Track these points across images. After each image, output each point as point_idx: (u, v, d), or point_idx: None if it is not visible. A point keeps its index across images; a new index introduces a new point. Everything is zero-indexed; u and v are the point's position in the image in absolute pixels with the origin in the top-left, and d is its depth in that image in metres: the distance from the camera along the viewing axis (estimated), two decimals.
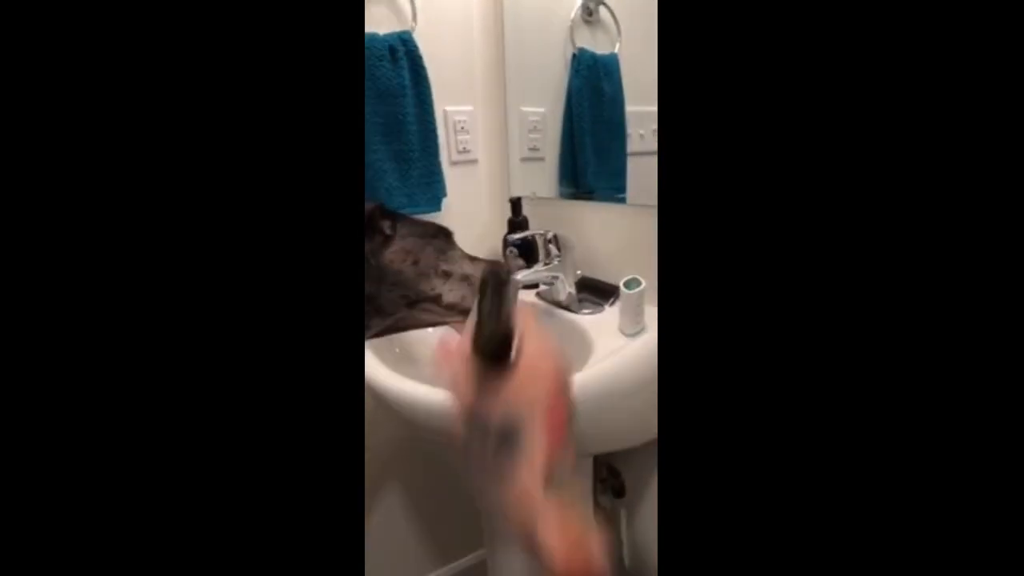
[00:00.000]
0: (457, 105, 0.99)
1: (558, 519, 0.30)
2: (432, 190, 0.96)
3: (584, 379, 0.55)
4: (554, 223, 0.89)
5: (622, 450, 0.81)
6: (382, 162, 0.90)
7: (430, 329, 0.78)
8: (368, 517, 1.08)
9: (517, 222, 0.90)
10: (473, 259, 0.75)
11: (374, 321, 0.70)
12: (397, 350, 0.80)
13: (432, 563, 1.18)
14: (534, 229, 0.87)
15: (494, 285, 0.36)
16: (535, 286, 0.88)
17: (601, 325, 0.75)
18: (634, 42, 0.81)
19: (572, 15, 0.87)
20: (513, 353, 0.34)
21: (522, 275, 0.82)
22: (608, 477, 0.89)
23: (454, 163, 1.01)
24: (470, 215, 1.06)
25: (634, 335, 0.71)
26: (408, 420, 0.63)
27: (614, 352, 0.60)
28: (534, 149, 0.99)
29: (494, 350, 0.34)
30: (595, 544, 0.30)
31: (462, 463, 0.34)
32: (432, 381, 0.63)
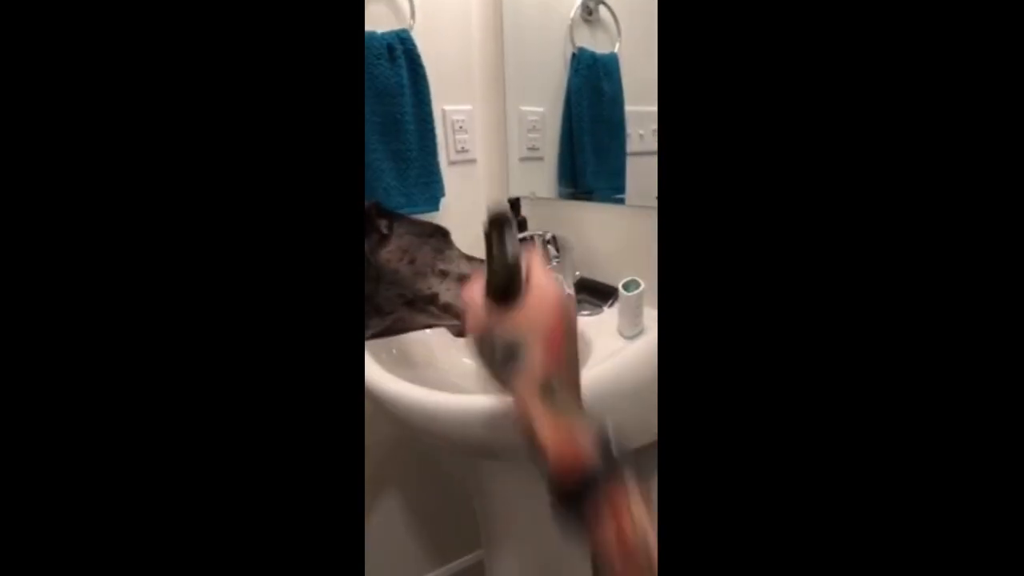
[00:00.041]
0: (456, 104, 0.99)
1: (551, 420, 0.35)
2: (430, 190, 0.95)
3: (583, 381, 0.55)
4: (553, 223, 0.89)
5: None
6: (380, 161, 0.90)
7: (427, 331, 0.78)
8: (366, 518, 1.08)
9: (516, 222, 0.90)
10: (470, 259, 0.75)
11: (373, 321, 0.70)
12: (394, 351, 0.79)
13: (429, 564, 1.18)
14: (533, 229, 0.87)
15: (498, 227, 0.40)
16: None
17: (600, 326, 0.75)
18: (634, 41, 0.80)
19: (572, 14, 0.86)
20: (520, 290, 0.39)
21: None
22: None
23: (452, 163, 1.01)
24: (469, 215, 1.05)
25: (633, 337, 0.71)
26: (405, 422, 0.63)
27: (614, 354, 0.60)
28: (533, 149, 0.99)
29: (503, 289, 0.39)
30: (583, 439, 0.34)
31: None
32: (430, 382, 0.63)
